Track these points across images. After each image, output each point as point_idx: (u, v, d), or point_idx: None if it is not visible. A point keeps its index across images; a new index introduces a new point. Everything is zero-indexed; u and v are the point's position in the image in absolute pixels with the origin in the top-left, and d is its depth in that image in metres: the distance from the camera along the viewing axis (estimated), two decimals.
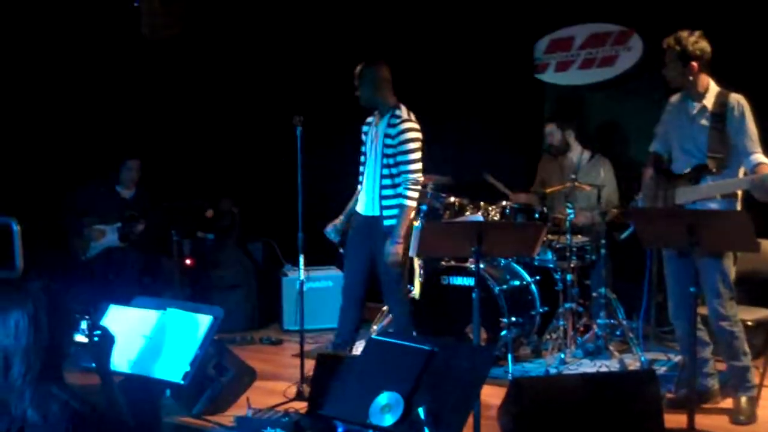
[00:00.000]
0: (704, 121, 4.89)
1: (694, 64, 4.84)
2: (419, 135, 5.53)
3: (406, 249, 5.44)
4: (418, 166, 5.50)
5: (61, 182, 7.42)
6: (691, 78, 4.89)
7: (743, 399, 4.90)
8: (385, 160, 5.54)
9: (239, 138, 8.69)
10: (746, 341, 4.96)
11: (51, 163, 7.49)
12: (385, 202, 5.58)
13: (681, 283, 4.89)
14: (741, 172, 4.84)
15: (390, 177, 5.55)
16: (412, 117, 5.60)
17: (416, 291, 6.12)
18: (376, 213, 5.60)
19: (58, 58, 7.59)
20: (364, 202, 5.71)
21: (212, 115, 8.53)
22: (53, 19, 7.50)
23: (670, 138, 5.12)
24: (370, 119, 5.78)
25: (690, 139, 4.96)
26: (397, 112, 5.57)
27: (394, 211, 5.51)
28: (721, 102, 4.85)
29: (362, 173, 5.80)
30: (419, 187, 5.53)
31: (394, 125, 5.52)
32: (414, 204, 5.50)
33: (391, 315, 6.14)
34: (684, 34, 4.87)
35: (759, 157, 4.75)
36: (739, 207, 4.84)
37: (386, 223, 5.55)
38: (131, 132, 7.89)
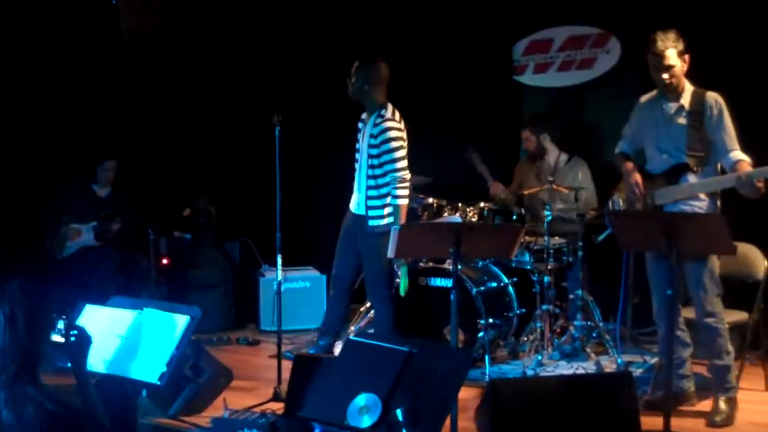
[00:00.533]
0: (682, 120, 4.92)
1: (687, 57, 4.88)
2: (401, 134, 5.60)
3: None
4: (403, 164, 5.58)
5: (36, 181, 7.37)
6: (680, 77, 4.91)
7: (722, 399, 4.91)
8: (370, 161, 5.63)
9: (217, 137, 8.64)
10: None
11: (26, 161, 7.43)
12: (370, 203, 5.67)
13: (663, 285, 4.89)
14: (718, 169, 4.90)
15: (374, 177, 5.63)
16: (396, 116, 5.66)
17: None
18: (363, 212, 5.72)
19: (34, 56, 7.53)
20: (355, 201, 5.84)
21: (190, 114, 8.48)
22: (30, 16, 7.44)
23: (643, 138, 5.15)
24: (363, 116, 5.87)
25: (667, 139, 4.98)
26: (382, 112, 5.65)
27: (379, 212, 5.61)
28: (698, 101, 4.89)
29: (356, 170, 5.90)
30: (407, 185, 5.61)
31: (377, 125, 5.60)
32: (405, 202, 5.61)
33: (373, 314, 6.15)
34: (661, 33, 4.87)
35: (738, 154, 4.80)
36: (719, 205, 4.90)
37: (371, 223, 5.65)
38: (108, 130, 7.84)
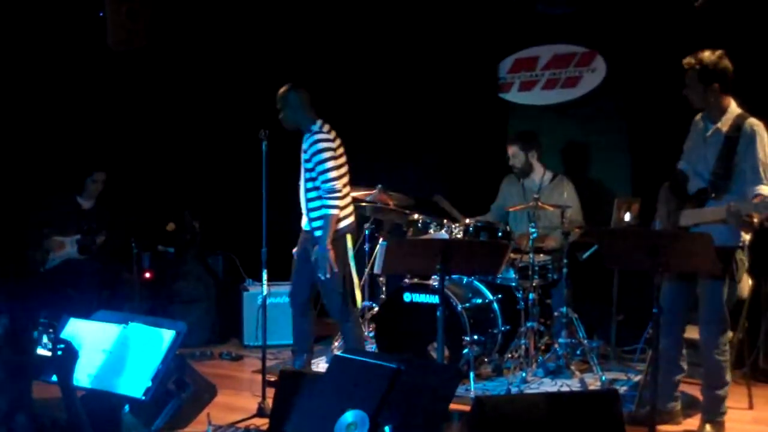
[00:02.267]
0: (716, 143, 4.75)
1: (716, 85, 4.70)
2: (327, 145, 5.68)
3: (341, 260, 5.68)
4: (331, 174, 5.66)
5: (19, 192, 7.32)
6: (712, 99, 4.75)
7: (709, 424, 4.92)
8: (306, 174, 5.72)
9: (203, 151, 8.63)
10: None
11: (10, 172, 7.39)
12: (311, 215, 5.78)
13: (672, 304, 4.88)
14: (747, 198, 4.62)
15: (314, 190, 5.72)
16: (324, 129, 5.76)
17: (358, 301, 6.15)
18: (308, 227, 5.83)
19: (21, 68, 7.50)
20: (304, 218, 5.91)
21: (176, 128, 8.47)
22: (18, 29, 7.41)
23: (690, 157, 4.99)
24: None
25: (702, 161, 4.83)
26: (312, 127, 5.76)
27: (320, 222, 5.69)
28: (737, 125, 4.70)
29: None
30: (337, 194, 5.67)
31: (306, 140, 5.72)
32: (335, 212, 5.66)
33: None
34: (706, 53, 4.70)
35: (763, 188, 4.57)
36: (745, 235, 4.72)
37: (316, 234, 5.75)
38: (93, 143, 7.81)
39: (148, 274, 7.61)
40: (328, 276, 5.67)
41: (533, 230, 6.05)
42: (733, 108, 4.78)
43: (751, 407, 5.55)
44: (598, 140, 7.32)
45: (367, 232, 7.14)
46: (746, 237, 4.76)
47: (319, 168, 5.64)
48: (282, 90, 5.89)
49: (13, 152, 7.44)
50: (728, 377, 4.93)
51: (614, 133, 7.23)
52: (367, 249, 7.13)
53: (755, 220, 4.40)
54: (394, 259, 4.71)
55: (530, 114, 7.57)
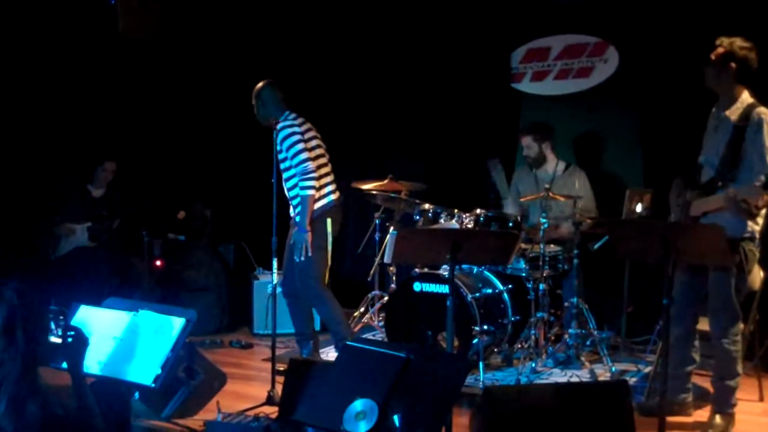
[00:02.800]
0: (725, 132, 4.75)
1: (733, 65, 4.69)
2: (293, 129, 5.85)
3: (317, 243, 5.86)
4: (302, 156, 5.83)
5: (31, 180, 7.34)
6: (725, 81, 4.74)
7: (719, 415, 4.89)
8: (283, 165, 5.85)
9: (214, 140, 8.64)
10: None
11: (21, 160, 7.41)
12: (293, 202, 5.96)
13: (683, 295, 4.88)
14: None
15: (293, 177, 5.89)
16: (290, 118, 5.90)
17: None
18: (293, 212, 5.99)
19: (33, 56, 7.51)
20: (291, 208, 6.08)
21: (187, 116, 8.48)
22: (29, 17, 7.42)
23: (705, 149, 4.97)
24: None
25: (713, 150, 4.83)
26: (280, 119, 5.90)
27: (299, 207, 5.88)
28: (746, 114, 4.69)
29: None
30: (310, 174, 5.83)
31: (275, 133, 5.85)
32: (311, 192, 5.84)
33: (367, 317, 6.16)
34: (738, 39, 4.71)
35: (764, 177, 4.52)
36: (751, 224, 4.71)
37: (297, 219, 5.92)
38: (105, 131, 7.82)
39: (158, 262, 7.62)
40: (302, 259, 5.85)
41: (544, 220, 6.03)
42: (745, 97, 4.77)
43: (761, 399, 5.53)
44: (610, 131, 7.30)
45: (377, 221, 7.15)
46: (756, 227, 4.74)
47: (291, 152, 5.80)
48: (258, 86, 6.06)
49: (25, 141, 7.46)
50: (739, 368, 4.90)
51: (626, 123, 7.21)
52: (377, 238, 7.14)
53: (753, 205, 4.41)
54: (405, 248, 4.70)
55: (542, 104, 7.55)
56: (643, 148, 7.10)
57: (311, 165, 5.83)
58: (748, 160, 4.65)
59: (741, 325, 4.93)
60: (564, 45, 7.39)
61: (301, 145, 5.82)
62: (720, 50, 4.73)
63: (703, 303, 4.99)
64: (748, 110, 4.69)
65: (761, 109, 4.67)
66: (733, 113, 4.74)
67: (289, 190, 5.94)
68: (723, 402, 4.91)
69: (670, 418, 4.78)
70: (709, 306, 4.88)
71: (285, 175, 5.89)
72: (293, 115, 5.93)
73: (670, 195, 5.07)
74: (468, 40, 7.56)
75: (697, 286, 4.91)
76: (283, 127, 5.76)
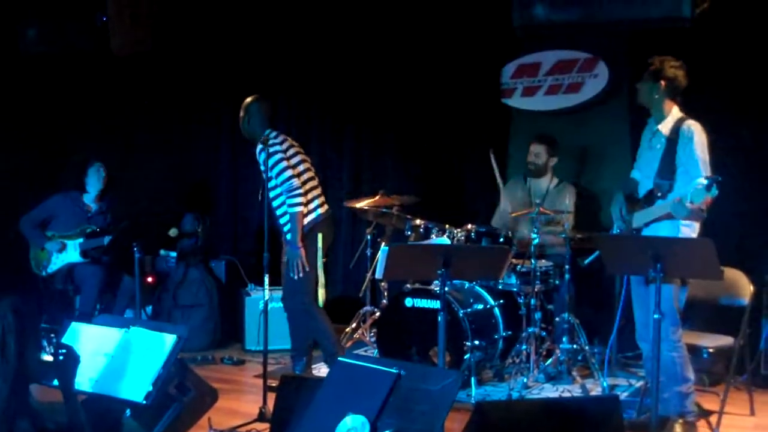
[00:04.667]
0: (658, 146, 4.98)
1: (663, 83, 4.93)
2: (275, 148, 5.86)
3: (310, 264, 5.89)
4: (287, 173, 5.85)
5: (24, 195, 7.34)
6: (656, 97, 4.97)
7: (678, 423, 4.93)
8: (269, 184, 5.79)
9: (205, 155, 8.66)
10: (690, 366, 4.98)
11: (13, 173, 7.41)
12: (282, 220, 5.98)
13: (645, 307, 4.91)
14: None
15: (279, 196, 5.91)
16: (271, 136, 5.88)
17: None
18: (283, 231, 5.98)
19: (27, 70, 7.52)
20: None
21: (179, 133, 8.49)
22: (22, 34, 7.44)
23: (639, 163, 5.21)
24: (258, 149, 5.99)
25: (646, 162, 5.07)
26: (261, 137, 5.87)
27: (288, 225, 5.91)
28: (676, 128, 4.93)
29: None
30: (297, 191, 5.86)
31: (257, 152, 5.87)
32: (299, 208, 5.87)
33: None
34: (667, 57, 4.98)
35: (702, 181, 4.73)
36: (690, 230, 4.86)
37: (288, 237, 5.92)
38: (98, 147, 7.82)
39: (150, 279, 7.63)
40: (300, 275, 5.88)
41: (535, 235, 6.05)
42: (675, 112, 5.01)
43: (752, 414, 5.55)
44: (600, 146, 7.32)
45: (369, 237, 7.16)
46: (691, 234, 4.86)
47: (275, 171, 5.82)
48: (247, 100, 6.09)
49: (18, 154, 7.46)
50: (687, 373, 4.96)
51: (616, 139, 7.23)
52: (369, 254, 7.14)
53: (699, 207, 4.62)
54: (396, 264, 4.71)
55: (533, 119, 7.56)
56: (634, 162, 7.09)
57: (296, 182, 5.86)
58: (683, 170, 4.86)
59: (681, 332, 4.98)
60: (554, 60, 7.41)
61: (284, 163, 5.84)
62: (651, 68, 4.98)
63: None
64: (678, 123, 4.93)
65: (690, 122, 4.92)
66: (665, 127, 4.97)
67: (277, 208, 5.96)
68: (675, 406, 4.95)
69: None
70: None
71: (272, 194, 5.90)
72: (275, 134, 5.93)
73: (612, 209, 5.24)
74: (458, 56, 7.58)
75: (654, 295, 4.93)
76: (265, 146, 5.73)
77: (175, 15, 7.84)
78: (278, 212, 5.97)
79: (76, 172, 7.15)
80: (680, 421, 4.94)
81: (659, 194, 4.90)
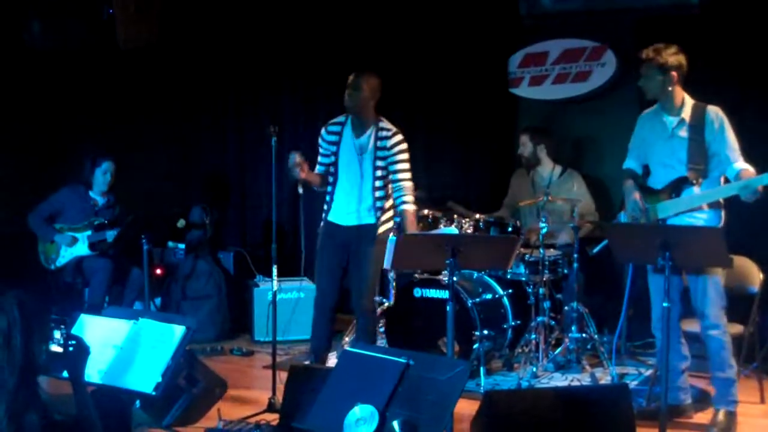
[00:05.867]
0: (683, 133, 4.94)
1: (674, 73, 4.90)
2: (407, 146, 5.73)
3: None
4: (410, 173, 5.72)
5: (31, 189, 7.35)
6: (669, 89, 4.94)
7: (722, 412, 4.92)
8: (377, 173, 5.65)
9: (213, 147, 8.66)
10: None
11: (21, 168, 7.43)
12: (380, 213, 5.72)
13: (663, 296, 4.90)
14: (722, 181, 4.92)
15: (384, 188, 5.69)
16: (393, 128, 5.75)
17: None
18: (371, 221, 5.71)
19: (34, 65, 7.52)
20: (347, 213, 5.77)
21: (187, 125, 8.50)
22: (27, 26, 7.44)
23: (648, 153, 5.16)
24: (335, 128, 5.81)
25: (669, 152, 5.00)
26: (383, 125, 5.71)
27: (389, 215, 5.74)
28: (699, 114, 4.91)
29: (332, 183, 5.84)
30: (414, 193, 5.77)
31: (387, 137, 5.66)
32: (415, 207, 5.75)
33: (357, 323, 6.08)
34: (661, 46, 4.95)
35: (742, 164, 4.84)
36: (723, 217, 4.89)
37: (382, 228, 5.72)
38: (105, 141, 7.83)
39: (159, 271, 7.64)
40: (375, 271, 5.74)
41: (543, 225, 6.05)
42: (689, 99, 5.00)
43: (762, 401, 5.54)
44: (608, 135, 7.29)
45: None
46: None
47: (403, 166, 5.68)
48: (369, 73, 5.80)
49: (25, 149, 7.48)
50: (732, 360, 4.96)
51: (625, 127, 7.18)
52: None
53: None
54: (404, 254, 4.71)
55: (540, 109, 7.55)
56: None
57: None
58: (714, 155, 4.89)
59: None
60: (561, 49, 7.39)
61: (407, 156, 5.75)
62: (652, 62, 4.94)
63: (684, 302, 5.05)
64: (699, 110, 4.94)
65: (714, 108, 4.95)
66: (686, 115, 4.95)
67: (378, 199, 5.72)
68: (722, 396, 4.94)
69: (671, 421, 4.79)
70: (696, 299, 4.93)
71: (376, 183, 5.69)
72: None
73: (627, 200, 5.19)
74: (466, 46, 7.57)
75: (674, 285, 4.93)
76: (403, 140, 5.64)
77: (180, 7, 7.85)
78: (379, 204, 5.71)
79: (84, 169, 7.15)
80: (724, 410, 4.93)
81: (694, 181, 4.88)
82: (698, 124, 4.90)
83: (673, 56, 4.91)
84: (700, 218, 4.87)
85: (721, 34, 6.43)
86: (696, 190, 4.89)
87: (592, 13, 6.95)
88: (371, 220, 5.72)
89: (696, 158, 4.88)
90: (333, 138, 5.80)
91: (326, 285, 5.86)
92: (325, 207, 5.87)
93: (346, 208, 5.77)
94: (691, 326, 5.13)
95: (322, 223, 5.90)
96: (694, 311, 5.00)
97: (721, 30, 6.41)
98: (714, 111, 4.92)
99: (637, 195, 5.08)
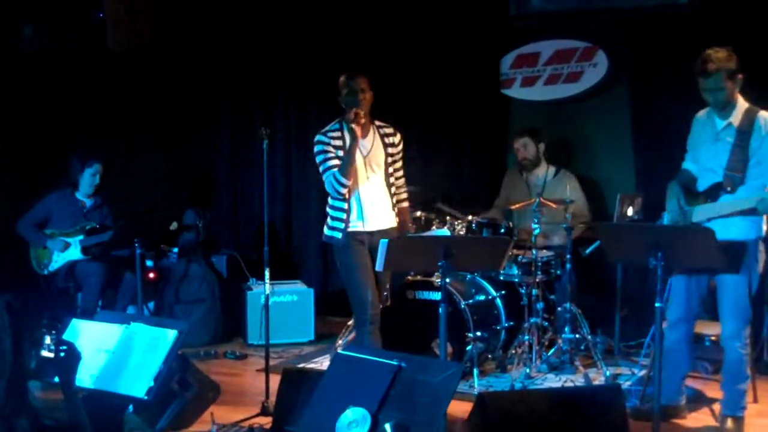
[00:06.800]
0: (729, 138, 4.78)
1: (740, 76, 4.74)
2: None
3: None
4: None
5: (22, 192, 7.33)
6: (733, 93, 4.75)
7: (730, 420, 4.92)
8: (390, 169, 5.56)
9: (205, 150, 8.65)
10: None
11: (9, 171, 7.41)
12: (394, 211, 5.61)
13: (682, 299, 4.94)
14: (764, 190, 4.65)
15: (394, 186, 5.62)
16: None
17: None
18: (394, 224, 5.57)
19: (23, 71, 7.50)
20: (372, 217, 5.51)
21: (178, 127, 8.48)
22: (19, 30, 7.42)
23: (696, 155, 5.02)
24: (336, 133, 5.51)
25: (714, 156, 4.84)
26: (380, 124, 5.65)
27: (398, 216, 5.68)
28: (749, 119, 4.73)
29: (345, 189, 5.45)
30: None
31: (392, 134, 5.63)
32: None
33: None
34: (719, 53, 4.69)
35: None
36: (765, 227, 4.78)
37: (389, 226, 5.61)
38: (96, 144, 7.81)
39: (151, 275, 7.61)
40: None
41: (536, 226, 6.05)
42: (742, 102, 4.81)
43: (755, 401, 5.54)
44: (600, 135, 7.32)
45: None
46: (764, 228, 4.78)
47: (401, 163, 5.67)
48: (362, 78, 5.58)
49: (14, 153, 7.45)
50: (748, 371, 4.95)
51: (617, 127, 7.22)
52: None
53: None
54: (396, 256, 4.70)
55: (532, 110, 7.56)
56: (635, 151, 7.11)
57: None
58: (755, 164, 4.70)
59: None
60: (553, 50, 7.40)
61: None
62: (729, 68, 4.69)
63: (701, 306, 5.04)
64: (750, 115, 4.74)
65: (764, 114, 4.73)
66: (735, 119, 4.77)
67: (391, 197, 5.58)
68: (734, 405, 4.93)
69: (664, 422, 4.79)
70: (721, 308, 4.88)
71: (391, 181, 5.58)
72: None
73: (668, 199, 5.05)
74: (457, 47, 7.57)
75: (696, 288, 4.93)
76: (396, 130, 5.65)
77: (171, 9, 7.83)
78: (394, 201, 5.61)
79: (72, 168, 7.13)
80: (733, 417, 4.91)
81: (729, 188, 4.72)
82: (746, 129, 4.71)
83: (733, 59, 4.69)
84: (732, 226, 4.71)
85: (710, 33, 6.41)
86: (729, 198, 4.73)
87: (582, 13, 6.96)
88: (393, 224, 5.57)
89: (734, 165, 4.70)
90: (338, 143, 5.50)
91: (374, 297, 5.52)
92: (343, 216, 5.44)
93: (369, 212, 5.49)
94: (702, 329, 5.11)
95: (339, 235, 5.45)
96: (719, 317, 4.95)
97: (710, 29, 6.40)
98: (764, 117, 4.72)
99: (676, 195, 4.96)
